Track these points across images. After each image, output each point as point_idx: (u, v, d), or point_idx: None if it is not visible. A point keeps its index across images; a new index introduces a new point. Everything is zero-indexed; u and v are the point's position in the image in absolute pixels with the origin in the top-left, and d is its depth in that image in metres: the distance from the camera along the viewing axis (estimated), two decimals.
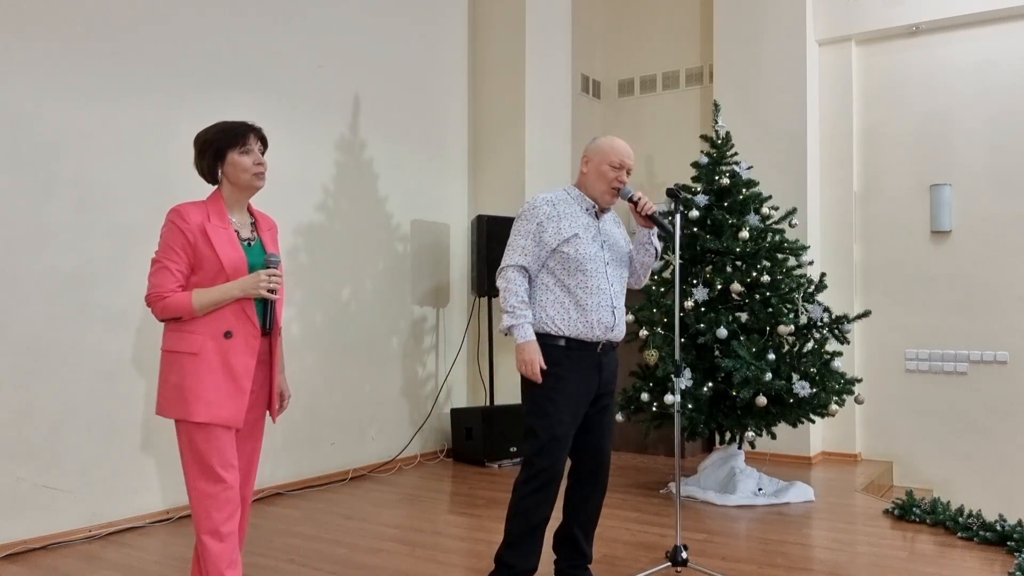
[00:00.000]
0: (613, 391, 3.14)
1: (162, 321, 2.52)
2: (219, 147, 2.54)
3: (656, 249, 3.18)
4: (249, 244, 2.60)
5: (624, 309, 3.11)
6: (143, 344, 4.17)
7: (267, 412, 2.70)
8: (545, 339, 2.94)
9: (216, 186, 2.61)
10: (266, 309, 2.57)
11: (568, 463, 3.07)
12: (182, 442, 2.50)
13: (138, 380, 4.14)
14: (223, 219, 2.54)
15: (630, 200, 3.08)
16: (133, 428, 4.13)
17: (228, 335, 2.48)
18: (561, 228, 2.98)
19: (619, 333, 3.07)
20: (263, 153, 2.61)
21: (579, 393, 2.96)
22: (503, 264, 3.02)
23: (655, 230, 3.12)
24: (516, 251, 3.00)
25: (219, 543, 2.45)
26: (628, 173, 3.08)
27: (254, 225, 2.66)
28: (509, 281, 2.97)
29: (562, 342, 2.94)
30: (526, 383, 2.99)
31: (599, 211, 3.10)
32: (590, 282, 2.97)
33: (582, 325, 2.95)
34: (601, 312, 2.97)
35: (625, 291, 3.15)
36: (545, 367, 2.91)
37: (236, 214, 2.60)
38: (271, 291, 2.51)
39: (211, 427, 2.45)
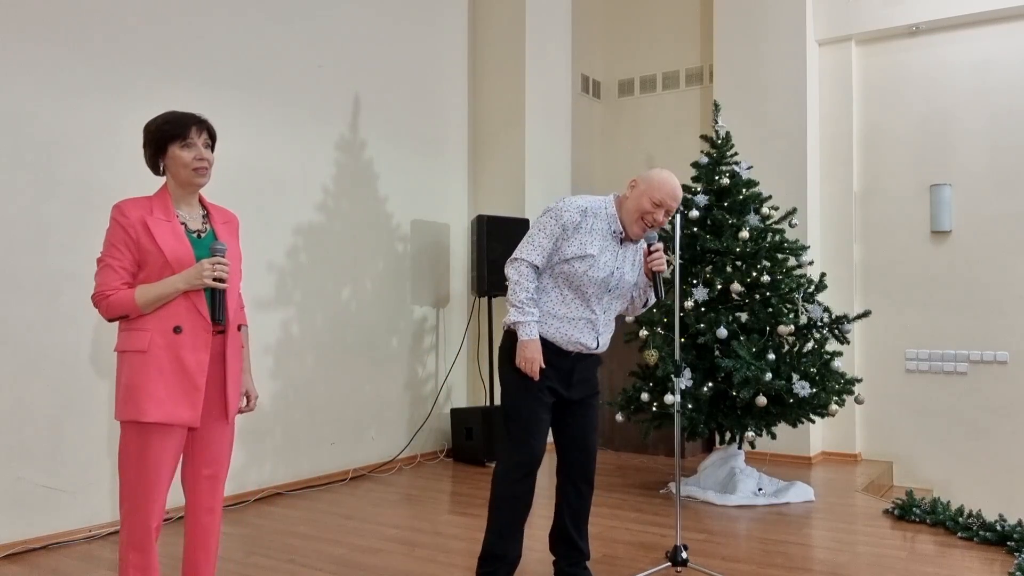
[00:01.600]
0: (596, 391, 3.15)
1: (110, 321, 2.42)
2: (160, 139, 2.43)
3: (647, 300, 3.17)
4: (199, 236, 2.48)
5: (610, 334, 3.10)
6: None
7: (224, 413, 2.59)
8: None
9: (164, 179, 2.50)
10: (215, 301, 2.42)
11: (555, 460, 3.13)
12: (126, 446, 2.39)
13: None
14: (167, 212, 2.43)
15: (648, 245, 3.03)
16: None
17: (177, 330, 2.37)
18: (583, 242, 2.93)
19: (599, 351, 3.08)
20: (212, 147, 2.50)
21: (552, 386, 2.98)
22: (518, 255, 2.97)
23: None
24: (534, 248, 2.95)
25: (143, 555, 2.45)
26: (667, 215, 3.00)
27: (206, 217, 2.55)
28: (521, 275, 2.93)
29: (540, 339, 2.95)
30: (504, 376, 3.02)
31: (624, 238, 3.03)
32: (585, 304, 2.98)
33: (560, 336, 2.97)
34: (583, 334, 2.99)
35: (614, 318, 3.13)
36: (543, 366, 2.92)
37: (184, 207, 2.49)
38: (218, 280, 2.38)
39: (162, 429, 2.36)
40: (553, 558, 3.20)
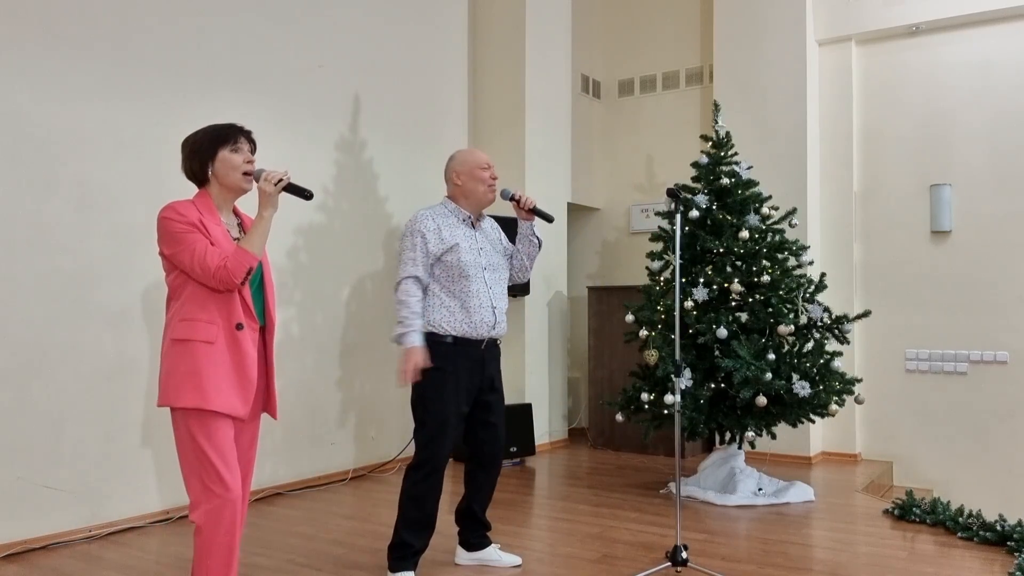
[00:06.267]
0: (500, 384, 3.43)
1: (241, 284, 2.46)
2: (211, 144, 2.54)
3: (539, 239, 3.45)
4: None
5: (505, 308, 3.37)
6: (143, 344, 4.17)
7: (263, 411, 2.72)
8: (434, 338, 3.20)
9: (203, 188, 2.57)
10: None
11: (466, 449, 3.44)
12: (185, 434, 2.44)
13: (138, 380, 4.14)
14: (214, 216, 2.53)
15: (512, 199, 3.37)
16: (133, 428, 4.13)
17: (240, 327, 2.49)
18: (443, 238, 3.25)
19: (500, 330, 3.34)
20: (253, 155, 2.62)
21: (464, 387, 3.24)
22: (400, 276, 3.24)
23: (535, 222, 3.39)
24: (408, 263, 3.24)
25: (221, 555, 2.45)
26: (492, 168, 3.40)
27: (240, 227, 2.66)
28: (407, 294, 3.20)
29: (449, 340, 3.21)
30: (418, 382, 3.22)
31: (475, 221, 3.38)
32: (471, 287, 3.24)
33: (467, 325, 3.22)
34: (483, 312, 3.25)
35: (506, 290, 3.42)
36: (431, 364, 3.15)
37: (224, 215, 2.58)
38: (280, 180, 2.54)
39: (220, 418, 2.44)
40: (458, 529, 3.51)
